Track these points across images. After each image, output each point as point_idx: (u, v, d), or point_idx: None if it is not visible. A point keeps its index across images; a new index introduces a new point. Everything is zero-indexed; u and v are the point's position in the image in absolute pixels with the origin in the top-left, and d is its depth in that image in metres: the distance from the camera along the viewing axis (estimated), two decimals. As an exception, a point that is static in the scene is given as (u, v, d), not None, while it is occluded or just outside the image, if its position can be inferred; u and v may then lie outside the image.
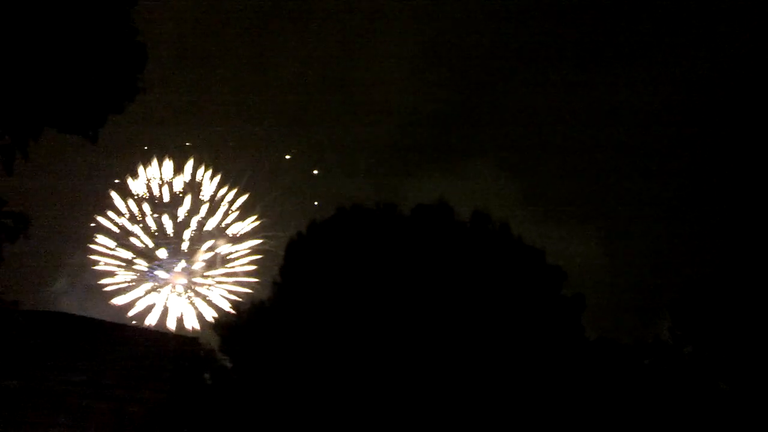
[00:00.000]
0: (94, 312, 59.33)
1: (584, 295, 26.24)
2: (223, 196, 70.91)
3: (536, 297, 25.09)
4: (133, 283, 68.92)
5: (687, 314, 29.47)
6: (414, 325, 23.77)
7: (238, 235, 70.37)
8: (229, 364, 26.26)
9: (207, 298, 69.24)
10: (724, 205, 55.28)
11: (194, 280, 70.33)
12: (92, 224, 68.39)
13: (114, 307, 67.61)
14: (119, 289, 68.66)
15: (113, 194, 69.53)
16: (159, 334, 45.11)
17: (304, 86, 71.34)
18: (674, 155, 65.39)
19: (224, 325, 27.24)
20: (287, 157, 70.46)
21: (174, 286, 69.95)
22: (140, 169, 70.93)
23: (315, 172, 70.13)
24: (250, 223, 70.64)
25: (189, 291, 70.03)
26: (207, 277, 70.25)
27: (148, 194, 70.67)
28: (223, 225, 70.85)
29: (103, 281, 68.52)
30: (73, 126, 12.91)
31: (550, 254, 26.59)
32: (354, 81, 72.96)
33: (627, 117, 71.45)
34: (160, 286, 69.62)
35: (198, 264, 70.57)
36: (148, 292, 69.44)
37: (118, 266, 68.89)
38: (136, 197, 70.20)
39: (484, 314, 23.85)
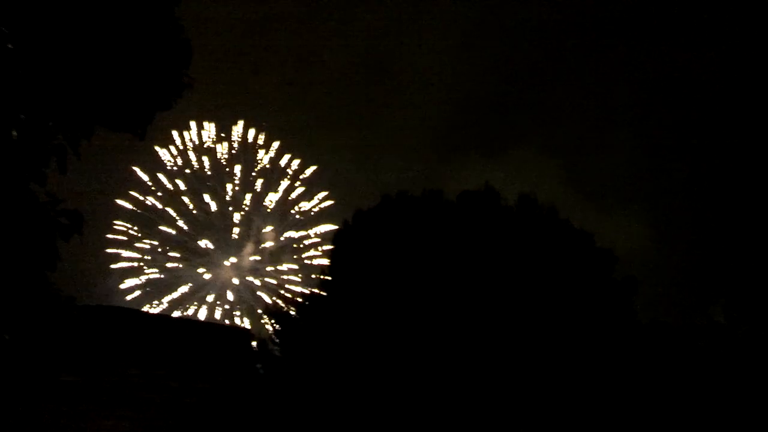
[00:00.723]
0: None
1: (636, 278, 25.99)
2: (287, 165, 54.29)
3: (587, 281, 24.90)
4: (164, 282, 53.08)
5: (742, 294, 28.99)
6: (463, 311, 23.73)
7: (305, 218, 53.50)
8: (279, 354, 26.48)
9: (264, 304, 51.87)
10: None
11: (248, 279, 53.84)
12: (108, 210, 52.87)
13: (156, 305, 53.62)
14: (146, 293, 52.82)
15: (136, 169, 53.48)
16: (211, 325, 45.57)
17: (349, 74, 71.11)
18: (724, 134, 64.18)
19: (276, 315, 27.51)
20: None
21: (221, 289, 53.41)
22: (174, 133, 53.70)
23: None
24: (320, 202, 54.60)
25: (241, 294, 52.81)
26: (265, 274, 53.55)
27: (183, 165, 53.59)
28: (286, 204, 54.04)
29: (125, 284, 52.83)
30: (123, 124, 13.07)
31: (599, 238, 26.41)
32: (399, 68, 72.85)
33: (673, 98, 70.38)
34: (203, 290, 53.50)
35: (253, 257, 54.08)
36: (182, 300, 52.74)
37: (143, 262, 52.88)
38: (167, 169, 53.85)
39: (534, 299, 23.72)
